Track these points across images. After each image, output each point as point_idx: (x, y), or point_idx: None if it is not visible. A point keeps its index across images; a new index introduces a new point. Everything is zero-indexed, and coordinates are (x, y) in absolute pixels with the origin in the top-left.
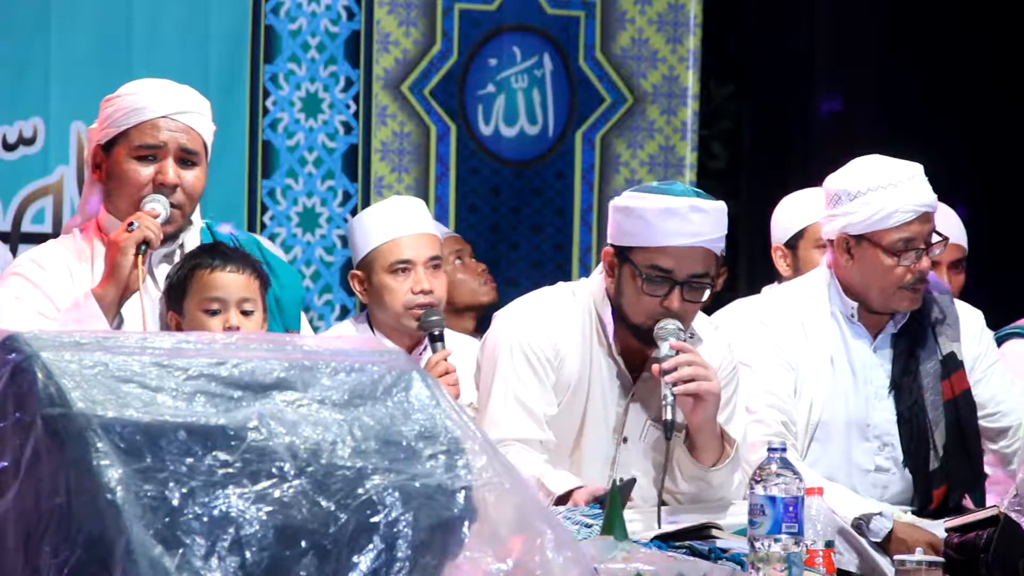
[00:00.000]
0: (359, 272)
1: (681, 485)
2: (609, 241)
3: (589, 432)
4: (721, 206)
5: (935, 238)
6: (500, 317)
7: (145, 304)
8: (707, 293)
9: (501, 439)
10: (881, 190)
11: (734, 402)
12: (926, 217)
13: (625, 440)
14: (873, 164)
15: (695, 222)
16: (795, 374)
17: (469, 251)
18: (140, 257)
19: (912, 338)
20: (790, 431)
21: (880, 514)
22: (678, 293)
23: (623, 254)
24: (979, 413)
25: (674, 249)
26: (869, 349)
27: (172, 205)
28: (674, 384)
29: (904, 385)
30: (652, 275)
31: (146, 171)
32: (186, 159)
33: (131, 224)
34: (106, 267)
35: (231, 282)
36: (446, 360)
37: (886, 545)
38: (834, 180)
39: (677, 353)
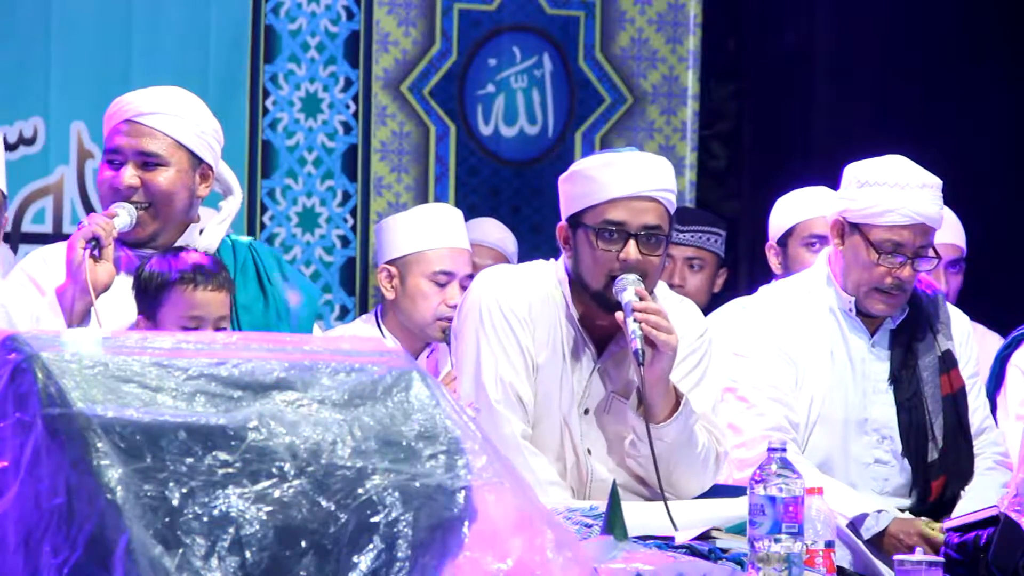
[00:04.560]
0: (392, 268)
1: (640, 447)
2: (562, 219)
3: (552, 402)
4: (663, 160)
5: (928, 254)
6: (477, 281)
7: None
8: (663, 247)
9: (507, 439)
10: (887, 187)
11: (704, 368)
12: (921, 228)
13: (586, 412)
14: (893, 162)
15: (638, 172)
16: (796, 368)
17: None
18: (88, 252)
19: (911, 333)
20: (792, 424)
21: (877, 512)
22: (633, 244)
23: (576, 222)
24: None
25: (623, 201)
26: (867, 344)
27: (140, 207)
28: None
29: (903, 377)
30: (605, 229)
31: (108, 175)
32: (147, 162)
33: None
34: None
35: (212, 301)
36: None
37: (879, 541)
38: (853, 165)
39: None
